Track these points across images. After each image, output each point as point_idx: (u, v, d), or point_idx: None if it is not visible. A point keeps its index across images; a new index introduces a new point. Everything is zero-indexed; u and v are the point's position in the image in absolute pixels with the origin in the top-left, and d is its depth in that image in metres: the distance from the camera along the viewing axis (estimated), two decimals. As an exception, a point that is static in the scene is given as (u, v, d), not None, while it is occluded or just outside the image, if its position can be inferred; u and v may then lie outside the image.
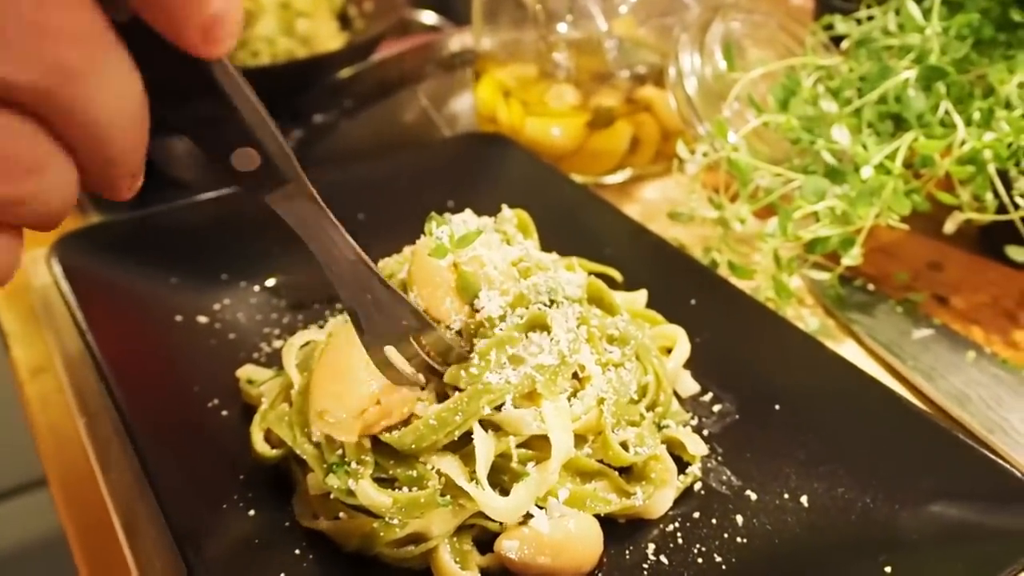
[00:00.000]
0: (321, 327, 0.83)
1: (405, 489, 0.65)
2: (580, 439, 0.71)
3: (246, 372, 0.81)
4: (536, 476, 0.66)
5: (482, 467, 0.65)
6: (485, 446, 0.65)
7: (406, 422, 0.67)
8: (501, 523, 0.67)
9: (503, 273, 0.71)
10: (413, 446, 0.65)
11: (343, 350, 0.67)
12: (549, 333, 0.70)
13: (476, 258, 0.71)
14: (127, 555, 0.72)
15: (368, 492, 0.64)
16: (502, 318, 0.70)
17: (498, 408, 0.66)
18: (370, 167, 1.15)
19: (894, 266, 1.07)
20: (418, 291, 0.71)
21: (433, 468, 0.66)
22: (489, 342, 0.68)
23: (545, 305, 0.71)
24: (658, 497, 0.71)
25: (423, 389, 0.68)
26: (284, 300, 0.94)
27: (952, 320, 0.98)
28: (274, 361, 0.85)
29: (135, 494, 0.77)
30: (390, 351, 0.64)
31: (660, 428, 0.76)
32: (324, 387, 0.66)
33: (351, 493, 0.65)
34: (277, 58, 1.40)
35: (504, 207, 0.84)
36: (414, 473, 0.66)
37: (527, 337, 0.69)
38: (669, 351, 0.83)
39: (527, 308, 0.70)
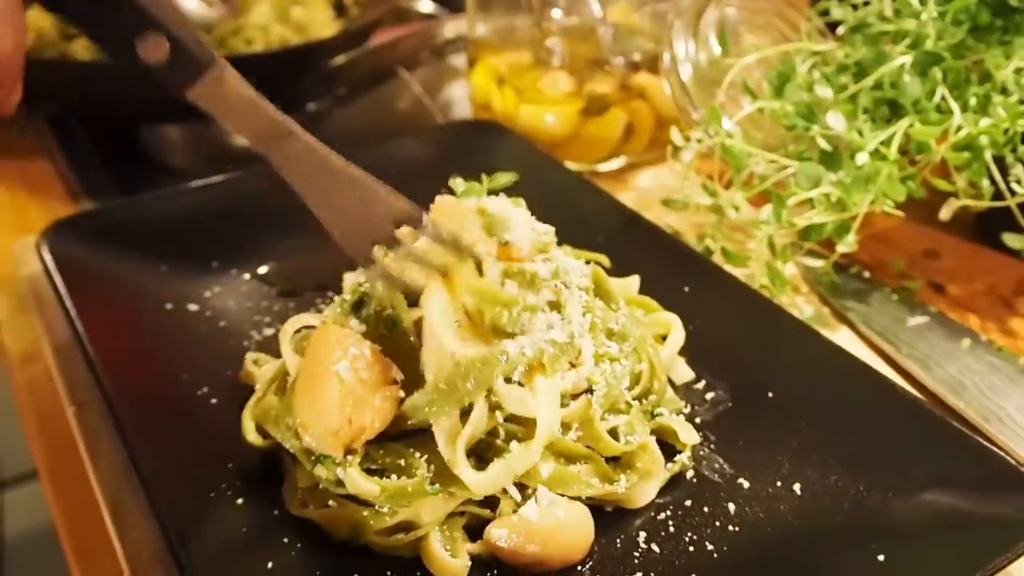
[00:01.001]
0: (315, 314, 0.83)
1: (394, 477, 0.65)
2: (567, 425, 0.70)
3: (254, 354, 0.81)
4: (517, 453, 0.65)
5: (463, 440, 0.64)
6: (476, 424, 0.65)
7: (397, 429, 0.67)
8: (491, 510, 0.67)
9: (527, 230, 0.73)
10: (427, 409, 0.65)
11: (318, 363, 0.66)
12: (561, 312, 0.70)
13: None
14: (116, 544, 0.72)
15: (356, 480, 0.64)
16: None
17: (507, 380, 0.66)
18: (364, 155, 1.12)
19: (889, 254, 1.07)
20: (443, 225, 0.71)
21: (422, 457, 0.66)
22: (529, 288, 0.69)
23: (564, 285, 0.72)
24: (642, 487, 0.71)
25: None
26: (275, 287, 0.94)
27: (948, 308, 0.98)
28: (265, 349, 0.84)
29: (124, 483, 0.76)
30: (377, 250, 0.63)
31: (653, 416, 0.76)
32: (304, 401, 0.66)
33: (340, 483, 0.65)
34: (271, 45, 1.39)
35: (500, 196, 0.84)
36: (402, 463, 0.66)
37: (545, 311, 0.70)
38: (663, 338, 0.82)
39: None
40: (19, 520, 1.70)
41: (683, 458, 0.73)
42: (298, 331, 0.78)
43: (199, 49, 0.46)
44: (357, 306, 0.74)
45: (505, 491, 0.67)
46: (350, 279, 0.88)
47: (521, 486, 0.67)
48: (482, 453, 0.68)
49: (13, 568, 1.69)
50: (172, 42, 0.45)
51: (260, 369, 0.79)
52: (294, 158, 0.55)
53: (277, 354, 0.77)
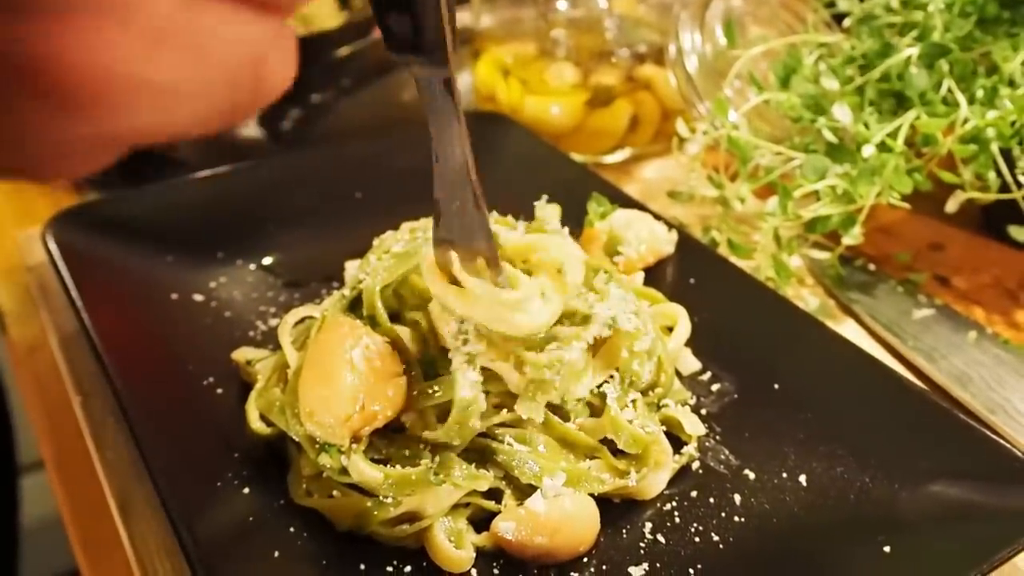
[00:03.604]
0: (318, 304, 0.83)
1: (398, 467, 0.65)
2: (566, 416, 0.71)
3: (243, 353, 0.80)
4: None
5: None
6: None
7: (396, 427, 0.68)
8: (496, 502, 0.67)
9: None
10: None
11: (330, 351, 0.66)
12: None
13: None
14: (122, 533, 0.72)
15: (360, 467, 0.64)
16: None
17: None
18: (368, 146, 1.14)
19: (895, 246, 1.06)
20: None
21: (427, 447, 0.66)
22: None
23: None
24: (652, 478, 0.70)
25: None
26: (280, 278, 0.94)
27: (953, 300, 0.98)
28: (270, 340, 0.85)
29: (130, 473, 0.77)
30: (453, 256, 0.64)
31: (659, 407, 0.76)
32: (311, 388, 0.65)
33: (344, 471, 0.65)
34: (275, 36, 1.39)
35: (540, 203, 0.83)
36: (407, 452, 0.66)
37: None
38: (669, 329, 0.82)
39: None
40: (38, 505, 1.70)
41: (690, 449, 0.73)
42: (300, 322, 0.78)
43: (454, 41, 0.52)
44: (354, 304, 0.74)
45: (509, 483, 0.68)
46: (351, 268, 0.88)
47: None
48: (482, 452, 0.68)
49: (33, 552, 1.69)
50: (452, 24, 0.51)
51: (258, 363, 0.79)
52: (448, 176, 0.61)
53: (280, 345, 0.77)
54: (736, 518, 0.69)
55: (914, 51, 0.96)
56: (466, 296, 0.65)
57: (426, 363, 0.68)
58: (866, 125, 0.94)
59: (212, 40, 0.31)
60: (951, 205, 0.95)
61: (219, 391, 0.79)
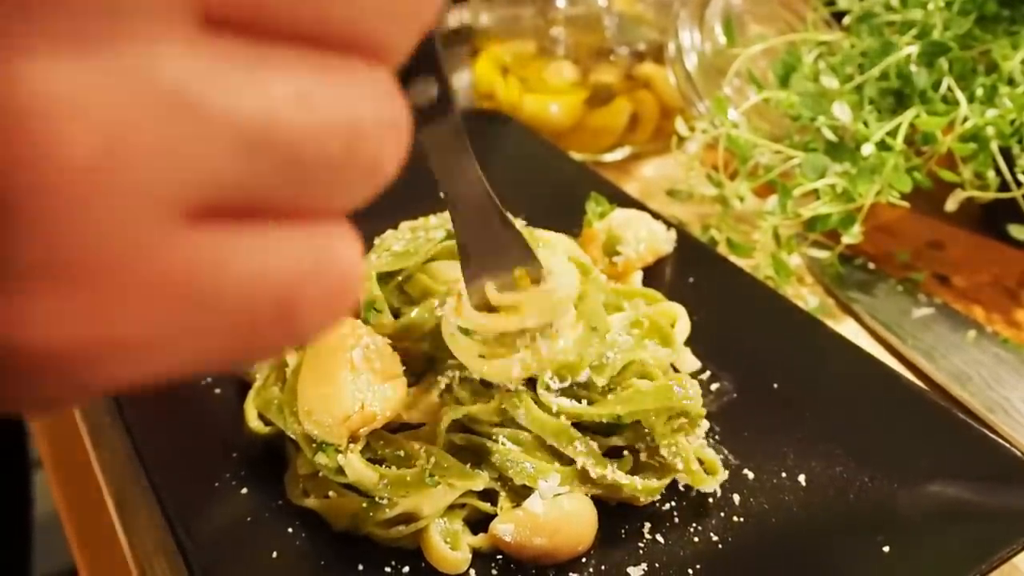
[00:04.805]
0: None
1: (394, 468, 0.65)
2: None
3: None
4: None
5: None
6: None
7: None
8: (492, 503, 0.67)
9: None
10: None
11: (330, 350, 0.66)
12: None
13: None
14: (119, 533, 0.72)
15: (355, 466, 0.64)
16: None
17: None
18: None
19: (895, 245, 1.06)
20: None
21: (422, 449, 0.66)
22: None
23: None
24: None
25: None
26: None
27: (953, 299, 0.97)
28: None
29: (128, 472, 0.77)
30: (489, 288, 0.62)
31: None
32: (311, 388, 0.65)
33: (340, 471, 0.65)
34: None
35: None
36: (402, 454, 0.66)
37: None
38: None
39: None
40: (49, 502, 1.70)
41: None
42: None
43: (453, 96, 0.47)
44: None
45: (504, 485, 0.67)
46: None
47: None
48: (477, 453, 0.68)
49: (43, 548, 1.69)
50: (441, 88, 0.45)
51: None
52: (470, 216, 0.58)
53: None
54: (735, 518, 0.68)
55: (914, 49, 0.96)
56: (519, 308, 0.63)
57: (425, 362, 0.68)
58: (865, 123, 0.94)
59: (224, 280, 0.23)
60: (951, 204, 0.95)
61: (217, 390, 0.78)
